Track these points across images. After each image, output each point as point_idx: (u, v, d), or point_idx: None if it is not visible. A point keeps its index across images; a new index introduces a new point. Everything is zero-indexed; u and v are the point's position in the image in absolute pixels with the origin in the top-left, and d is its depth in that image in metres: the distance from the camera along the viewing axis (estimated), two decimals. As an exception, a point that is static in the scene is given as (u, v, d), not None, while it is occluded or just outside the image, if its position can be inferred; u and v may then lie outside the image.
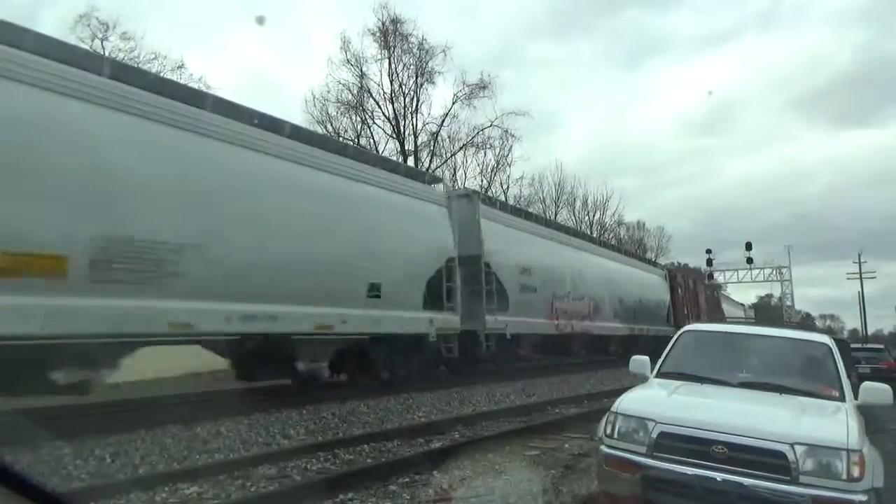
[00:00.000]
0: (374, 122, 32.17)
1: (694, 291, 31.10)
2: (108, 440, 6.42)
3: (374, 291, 10.78)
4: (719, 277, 46.35)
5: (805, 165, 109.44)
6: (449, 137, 33.59)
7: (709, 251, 45.68)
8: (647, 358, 5.33)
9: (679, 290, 28.84)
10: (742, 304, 55.49)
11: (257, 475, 5.67)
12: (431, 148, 33.20)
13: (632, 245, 46.86)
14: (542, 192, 43.58)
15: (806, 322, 45.57)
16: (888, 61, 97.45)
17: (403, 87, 31.89)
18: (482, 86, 32.18)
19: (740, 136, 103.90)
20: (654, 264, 31.95)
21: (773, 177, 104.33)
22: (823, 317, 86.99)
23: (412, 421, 8.88)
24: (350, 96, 31.43)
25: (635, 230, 53.52)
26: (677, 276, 29.66)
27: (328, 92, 31.31)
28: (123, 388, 9.73)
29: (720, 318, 32.17)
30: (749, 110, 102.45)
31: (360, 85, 31.30)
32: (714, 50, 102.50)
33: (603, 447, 4.37)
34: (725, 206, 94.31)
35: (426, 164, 32.00)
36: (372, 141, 31.67)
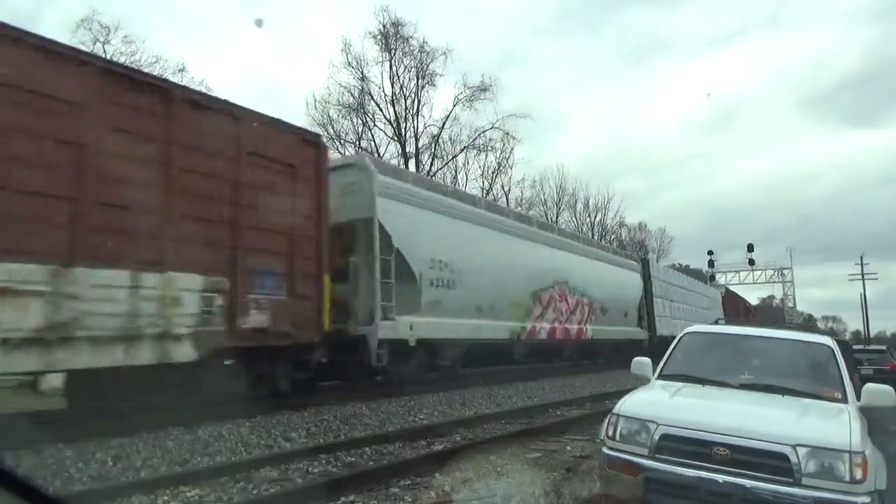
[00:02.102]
0: (375, 125, 32.26)
1: None
2: (110, 443, 6.42)
3: (624, 317, 23.53)
4: (721, 279, 46.39)
5: (811, 166, 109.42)
6: (450, 140, 33.66)
7: (710, 252, 45.85)
8: (648, 360, 5.33)
9: None
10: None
11: (259, 477, 5.68)
12: (433, 150, 33.27)
13: (633, 247, 46.73)
14: (544, 195, 43.62)
15: (809, 323, 45.28)
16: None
17: (404, 89, 31.98)
18: (483, 88, 32.27)
19: (745, 136, 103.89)
20: None
21: (778, 178, 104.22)
22: (826, 318, 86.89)
23: (413, 423, 8.87)
24: (351, 99, 31.53)
25: (636, 231, 53.58)
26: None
27: (329, 94, 31.42)
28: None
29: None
30: (755, 110, 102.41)
31: (360, 87, 31.40)
32: (720, 49, 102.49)
33: (605, 449, 4.36)
34: (729, 208, 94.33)
35: (427, 167, 32.04)
36: (373, 143, 31.75)
